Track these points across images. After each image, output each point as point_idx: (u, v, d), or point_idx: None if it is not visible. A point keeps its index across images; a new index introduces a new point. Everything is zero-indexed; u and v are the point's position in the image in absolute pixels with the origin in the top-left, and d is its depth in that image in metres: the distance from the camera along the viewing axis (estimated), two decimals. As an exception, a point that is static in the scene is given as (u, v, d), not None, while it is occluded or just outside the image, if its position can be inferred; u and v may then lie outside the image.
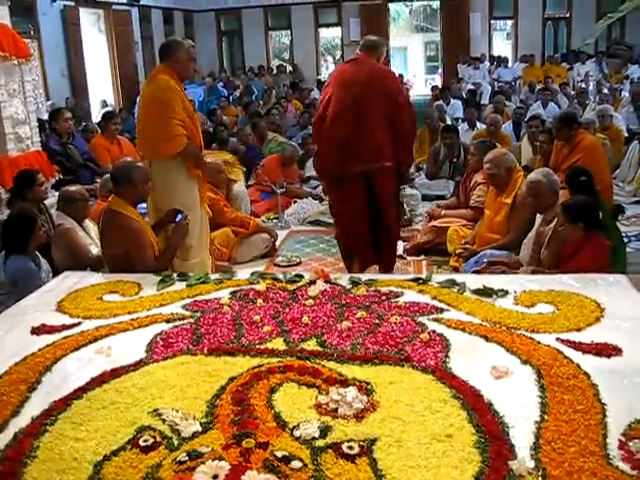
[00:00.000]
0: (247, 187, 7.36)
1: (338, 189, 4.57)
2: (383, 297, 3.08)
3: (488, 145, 5.45)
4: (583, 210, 3.60)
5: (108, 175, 4.86)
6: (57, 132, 7.26)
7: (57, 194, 5.10)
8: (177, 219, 4.10)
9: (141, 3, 15.88)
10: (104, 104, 13.95)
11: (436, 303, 3.00)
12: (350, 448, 1.90)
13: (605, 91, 11.89)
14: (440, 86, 15.23)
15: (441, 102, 10.82)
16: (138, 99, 4.59)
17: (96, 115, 13.44)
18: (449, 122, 9.11)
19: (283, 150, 7.78)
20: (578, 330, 2.64)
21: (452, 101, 11.61)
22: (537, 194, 4.11)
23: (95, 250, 4.51)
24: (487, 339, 2.60)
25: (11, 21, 6.32)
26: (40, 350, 2.67)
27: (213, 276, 3.54)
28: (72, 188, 4.85)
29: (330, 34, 23.59)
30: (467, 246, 4.92)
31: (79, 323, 2.96)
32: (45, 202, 5.14)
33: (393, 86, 4.56)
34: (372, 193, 4.46)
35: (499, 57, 17.81)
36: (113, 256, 3.88)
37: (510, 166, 4.74)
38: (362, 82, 4.40)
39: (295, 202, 7.26)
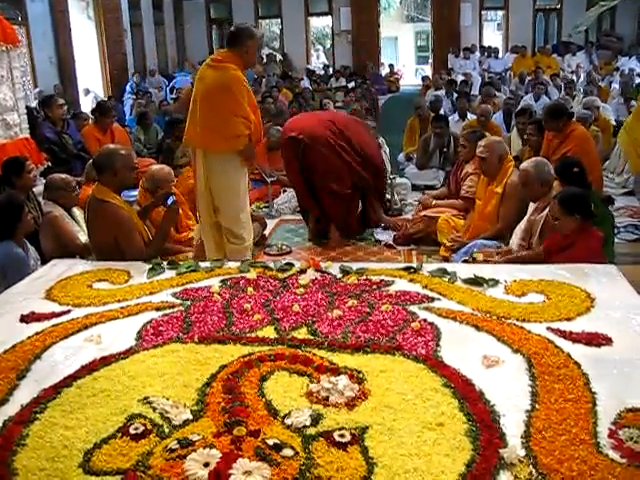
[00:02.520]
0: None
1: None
2: (374, 286, 3.08)
3: (478, 135, 5.45)
4: (579, 201, 3.57)
5: (91, 162, 4.80)
6: (51, 120, 7.03)
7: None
8: (168, 202, 4.02)
9: (130, -10, 15.75)
10: (87, 92, 13.80)
11: (427, 292, 3.00)
12: (341, 436, 1.90)
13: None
14: (431, 76, 15.24)
15: (439, 93, 10.82)
16: (194, 86, 4.43)
17: (84, 103, 13.34)
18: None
19: (269, 136, 7.70)
20: (568, 320, 2.65)
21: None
22: (525, 183, 4.14)
23: (83, 237, 4.46)
24: (478, 328, 2.61)
25: (-1, 7, 6.26)
26: (29, 338, 2.66)
27: (203, 264, 3.52)
28: (56, 176, 4.77)
29: (320, 23, 23.59)
30: (457, 238, 4.92)
31: (68, 311, 2.94)
32: (33, 190, 5.09)
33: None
34: None
35: (489, 48, 17.85)
36: (101, 244, 3.83)
37: (502, 154, 4.74)
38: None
39: (285, 191, 7.21)
